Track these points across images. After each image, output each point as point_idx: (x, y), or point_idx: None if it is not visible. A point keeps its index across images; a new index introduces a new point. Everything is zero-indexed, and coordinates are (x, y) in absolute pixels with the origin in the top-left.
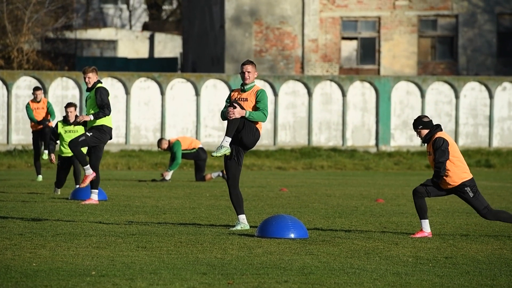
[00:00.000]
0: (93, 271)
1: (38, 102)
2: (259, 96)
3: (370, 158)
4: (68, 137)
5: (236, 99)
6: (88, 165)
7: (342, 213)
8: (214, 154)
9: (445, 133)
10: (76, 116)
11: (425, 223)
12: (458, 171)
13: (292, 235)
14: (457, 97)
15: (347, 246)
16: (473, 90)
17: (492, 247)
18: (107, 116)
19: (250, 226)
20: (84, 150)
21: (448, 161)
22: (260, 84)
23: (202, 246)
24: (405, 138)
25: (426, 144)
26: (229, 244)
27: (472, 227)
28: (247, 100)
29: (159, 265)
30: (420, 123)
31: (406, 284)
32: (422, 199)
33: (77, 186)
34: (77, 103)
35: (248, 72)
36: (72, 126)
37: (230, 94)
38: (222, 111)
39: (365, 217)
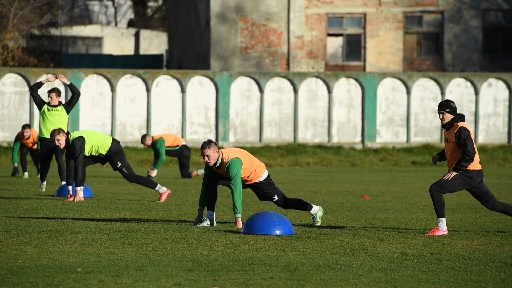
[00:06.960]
0: (79, 268)
1: (27, 138)
2: (228, 171)
3: (356, 154)
4: (50, 116)
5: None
6: (159, 185)
7: (328, 209)
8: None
9: (467, 124)
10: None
11: (442, 222)
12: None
13: (278, 232)
14: (442, 93)
15: (332, 243)
16: (458, 87)
17: (478, 243)
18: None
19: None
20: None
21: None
22: (245, 81)
23: (188, 243)
24: (390, 135)
25: (445, 130)
26: (215, 241)
27: (458, 223)
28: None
29: (145, 262)
30: (448, 106)
31: (392, 280)
32: (440, 194)
33: (63, 183)
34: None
35: (208, 155)
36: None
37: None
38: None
39: (351, 214)
